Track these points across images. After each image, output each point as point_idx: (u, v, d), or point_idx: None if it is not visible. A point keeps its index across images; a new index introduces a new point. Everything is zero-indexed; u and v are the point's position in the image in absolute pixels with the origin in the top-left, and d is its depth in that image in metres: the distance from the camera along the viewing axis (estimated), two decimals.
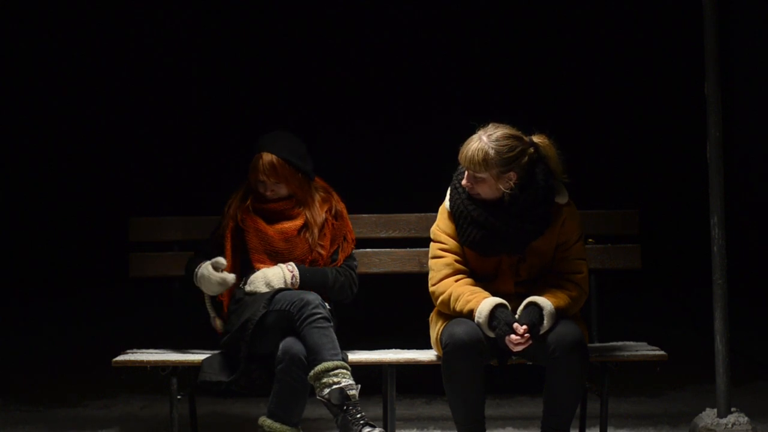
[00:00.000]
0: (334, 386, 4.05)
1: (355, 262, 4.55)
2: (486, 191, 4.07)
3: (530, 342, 3.99)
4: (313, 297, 4.19)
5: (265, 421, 4.14)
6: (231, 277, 4.33)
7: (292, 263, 4.39)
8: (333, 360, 4.08)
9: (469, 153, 4.02)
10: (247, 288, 4.36)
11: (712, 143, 4.46)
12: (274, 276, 4.34)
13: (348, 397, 4.06)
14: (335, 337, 4.16)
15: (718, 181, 4.46)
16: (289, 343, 4.13)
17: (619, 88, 8.75)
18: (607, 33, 8.71)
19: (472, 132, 4.12)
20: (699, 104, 4.70)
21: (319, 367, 4.07)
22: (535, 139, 4.13)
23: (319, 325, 4.13)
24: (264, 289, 4.31)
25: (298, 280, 4.35)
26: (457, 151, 4.13)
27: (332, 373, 4.06)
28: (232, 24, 8.64)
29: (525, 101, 8.40)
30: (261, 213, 4.46)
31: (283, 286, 4.32)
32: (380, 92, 8.52)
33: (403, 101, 8.61)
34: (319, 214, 4.47)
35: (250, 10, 8.57)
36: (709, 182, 4.48)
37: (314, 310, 4.14)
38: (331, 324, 4.17)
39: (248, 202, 4.47)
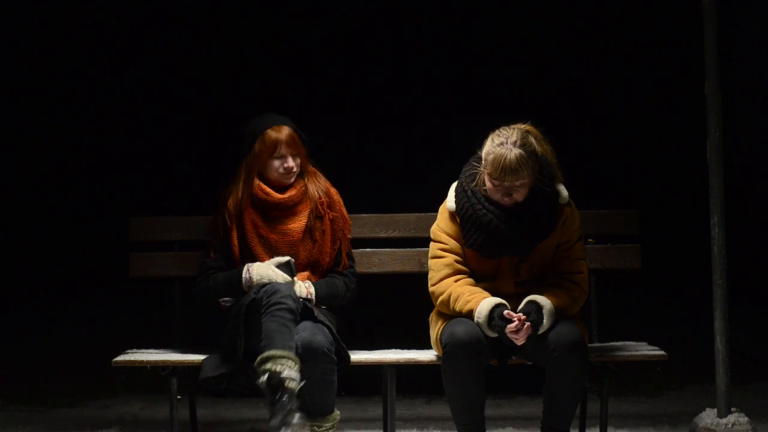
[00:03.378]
0: (274, 373, 3.97)
1: (354, 265, 4.52)
2: (525, 192, 4.06)
3: (530, 331, 3.98)
4: (284, 288, 4.12)
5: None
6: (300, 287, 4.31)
7: (309, 282, 4.33)
8: (283, 350, 4.02)
9: (513, 165, 3.98)
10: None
11: (712, 143, 4.46)
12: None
13: (284, 387, 3.96)
14: (293, 329, 4.07)
15: (718, 181, 4.47)
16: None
17: (619, 88, 8.75)
18: (607, 33, 8.71)
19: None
20: (699, 104, 4.70)
21: (267, 353, 3.99)
22: (522, 127, 4.12)
23: (280, 315, 4.05)
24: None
25: (312, 299, 4.31)
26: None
27: (279, 360, 3.99)
28: (232, 24, 8.64)
29: (525, 101, 8.40)
30: (262, 208, 4.39)
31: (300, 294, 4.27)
32: (380, 92, 8.52)
33: (404, 101, 8.61)
34: (315, 192, 4.44)
35: (250, 10, 8.57)
36: (709, 182, 4.48)
37: (281, 299, 4.07)
38: (294, 317, 4.08)
39: (253, 188, 4.37)
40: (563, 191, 4.16)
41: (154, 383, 5.45)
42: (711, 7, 4.46)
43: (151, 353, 4.48)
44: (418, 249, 4.66)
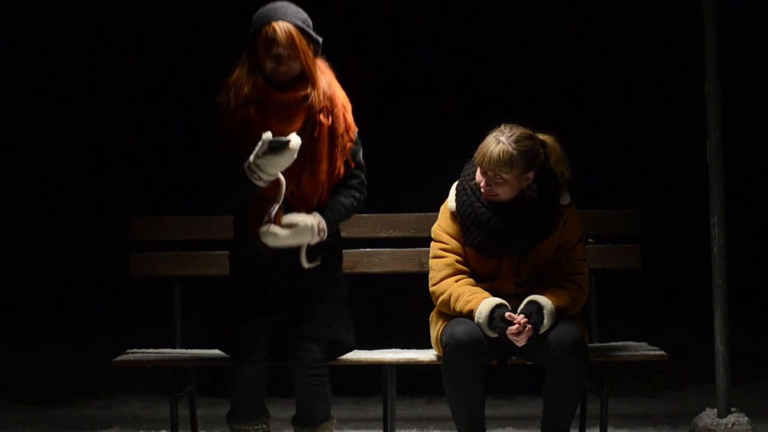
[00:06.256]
0: None
1: (361, 174, 4.12)
2: (506, 192, 4.06)
3: (531, 332, 3.98)
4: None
5: None
6: (296, 140, 3.82)
7: (320, 217, 3.95)
8: (248, 421, 4.08)
9: (494, 155, 4.00)
10: (271, 242, 3.90)
11: (712, 143, 4.46)
12: (303, 234, 3.90)
13: None
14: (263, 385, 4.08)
15: (718, 181, 4.47)
16: None
17: (619, 88, 8.74)
18: (607, 33, 8.70)
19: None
20: (699, 104, 4.70)
21: (235, 425, 4.07)
22: (541, 136, 4.14)
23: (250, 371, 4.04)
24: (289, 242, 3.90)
25: (325, 234, 3.96)
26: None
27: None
28: (232, 24, 8.63)
29: (525, 102, 8.40)
30: (259, 106, 3.95)
31: (310, 241, 3.93)
32: (380, 92, 8.52)
33: (404, 101, 8.61)
34: (318, 99, 3.98)
35: (250, 10, 8.56)
36: (709, 182, 4.49)
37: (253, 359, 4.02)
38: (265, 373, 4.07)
39: (254, 85, 3.91)
40: (564, 193, 4.16)
41: (154, 383, 5.46)
42: (711, 7, 4.46)
43: (151, 353, 4.48)
44: (418, 249, 4.66)
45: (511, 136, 4.03)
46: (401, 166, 8.30)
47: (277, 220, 3.90)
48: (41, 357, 7.08)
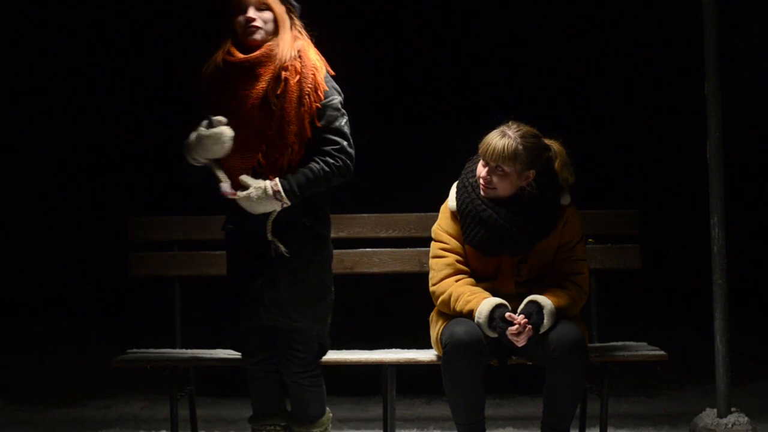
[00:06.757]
0: None
1: (341, 140, 4.00)
2: (506, 186, 4.07)
3: (531, 332, 3.98)
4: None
5: None
6: (227, 132, 3.84)
7: (277, 180, 3.87)
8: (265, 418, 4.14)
9: (498, 146, 4.02)
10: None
11: (712, 143, 4.47)
12: (261, 199, 3.88)
13: None
14: (276, 385, 4.15)
15: (718, 181, 4.47)
16: None
17: (619, 88, 8.74)
18: (607, 33, 8.71)
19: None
20: (699, 104, 4.70)
21: (253, 423, 4.16)
22: (548, 141, 4.15)
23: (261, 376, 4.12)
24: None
25: (283, 195, 3.87)
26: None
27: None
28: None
29: (525, 101, 8.39)
30: (227, 71, 3.94)
31: (269, 210, 3.89)
32: (380, 92, 8.52)
33: (403, 101, 8.61)
34: (284, 53, 3.92)
35: None
36: (709, 182, 4.49)
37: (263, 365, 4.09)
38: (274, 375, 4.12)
39: (222, 50, 3.93)
40: (565, 193, 4.16)
41: (154, 383, 5.46)
42: (711, 7, 4.46)
43: (151, 353, 4.49)
44: (418, 249, 4.66)
45: (518, 131, 4.06)
46: (401, 166, 8.30)
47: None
48: (41, 357, 7.07)
